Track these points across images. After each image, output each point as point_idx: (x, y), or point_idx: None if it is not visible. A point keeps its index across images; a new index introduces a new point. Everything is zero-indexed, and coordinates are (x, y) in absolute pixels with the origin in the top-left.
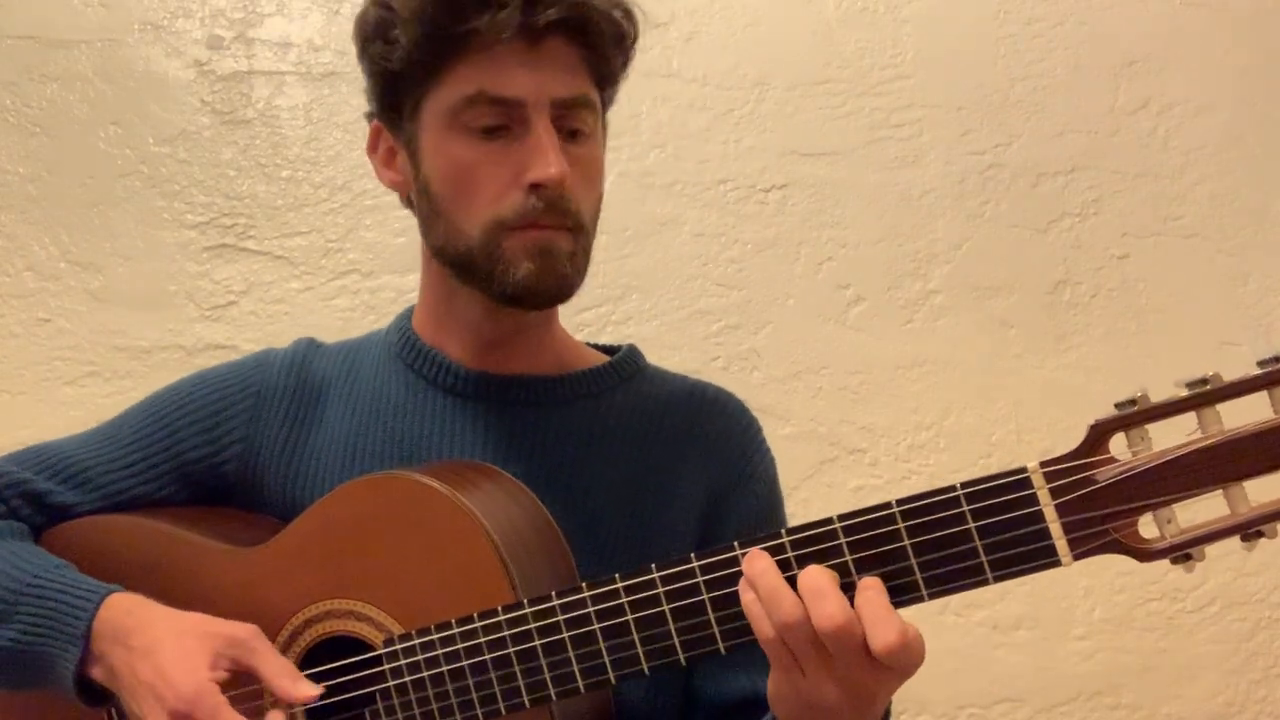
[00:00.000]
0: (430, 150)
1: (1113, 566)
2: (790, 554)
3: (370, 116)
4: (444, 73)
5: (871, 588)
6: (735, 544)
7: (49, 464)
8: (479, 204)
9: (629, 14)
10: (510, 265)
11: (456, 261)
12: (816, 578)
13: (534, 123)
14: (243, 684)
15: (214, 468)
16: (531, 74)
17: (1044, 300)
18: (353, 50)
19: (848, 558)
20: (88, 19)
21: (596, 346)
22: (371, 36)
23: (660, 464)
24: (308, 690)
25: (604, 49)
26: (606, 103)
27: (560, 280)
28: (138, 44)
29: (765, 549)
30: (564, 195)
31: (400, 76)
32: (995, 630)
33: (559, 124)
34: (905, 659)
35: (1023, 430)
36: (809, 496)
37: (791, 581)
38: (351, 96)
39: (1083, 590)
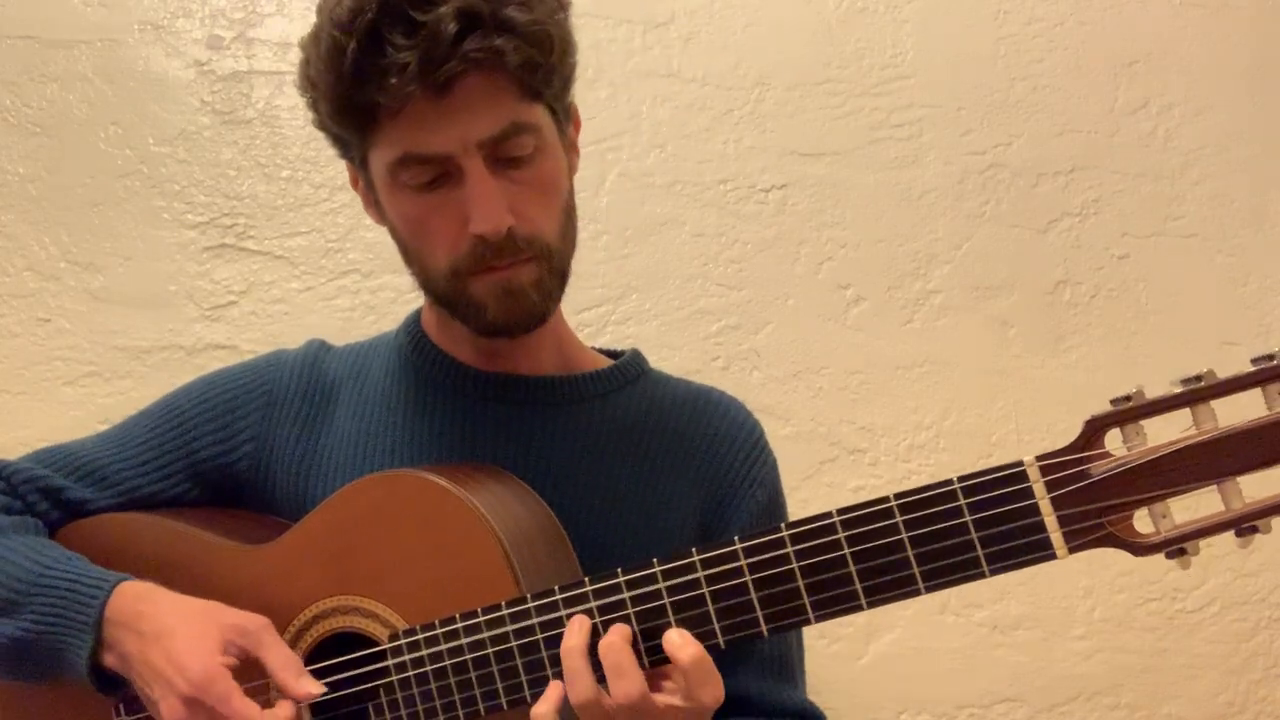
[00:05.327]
0: (384, 203)
1: (1113, 566)
2: (790, 548)
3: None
4: (370, 137)
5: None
6: (736, 539)
7: (65, 462)
8: (437, 254)
9: (541, 21)
10: (477, 308)
11: (434, 299)
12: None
13: (467, 171)
14: (250, 675)
15: (226, 466)
16: (450, 125)
17: (1044, 300)
18: None
19: (845, 551)
20: (88, 19)
21: (601, 351)
22: (308, 101)
23: (662, 466)
24: (310, 687)
25: (523, 67)
26: (557, 98)
27: (529, 312)
28: (138, 44)
29: (763, 543)
30: (512, 237)
31: (338, 138)
32: (995, 630)
33: (496, 156)
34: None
35: (1023, 430)
36: (809, 497)
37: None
38: None
39: (1083, 590)
